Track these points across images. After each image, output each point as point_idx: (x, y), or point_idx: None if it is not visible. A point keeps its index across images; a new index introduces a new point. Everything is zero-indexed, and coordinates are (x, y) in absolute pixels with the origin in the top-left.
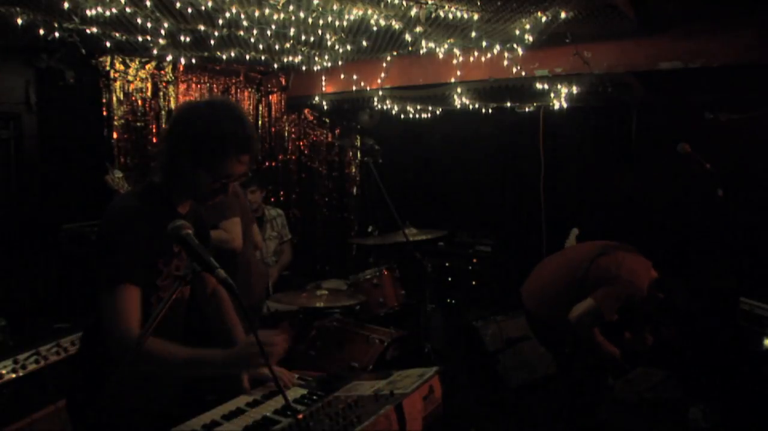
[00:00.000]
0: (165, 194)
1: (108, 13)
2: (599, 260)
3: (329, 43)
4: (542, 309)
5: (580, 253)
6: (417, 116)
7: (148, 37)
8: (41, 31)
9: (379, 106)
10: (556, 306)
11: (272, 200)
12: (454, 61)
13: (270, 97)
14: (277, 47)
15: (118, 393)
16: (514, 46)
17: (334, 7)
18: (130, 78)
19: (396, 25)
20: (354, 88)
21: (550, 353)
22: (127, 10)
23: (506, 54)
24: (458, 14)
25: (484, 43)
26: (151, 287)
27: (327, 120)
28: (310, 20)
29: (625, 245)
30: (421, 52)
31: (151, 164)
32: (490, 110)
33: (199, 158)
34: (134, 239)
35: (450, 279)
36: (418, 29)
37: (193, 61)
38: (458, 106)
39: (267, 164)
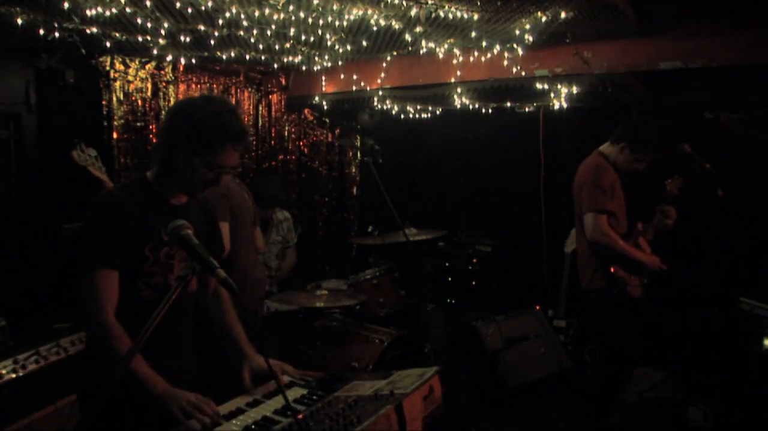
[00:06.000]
0: (156, 185)
1: (108, 13)
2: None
3: (329, 43)
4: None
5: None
6: (417, 115)
7: (148, 37)
8: (41, 31)
9: (379, 107)
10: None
11: None
12: (454, 61)
13: (270, 97)
14: (277, 47)
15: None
16: (514, 46)
17: (334, 7)
18: (130, 78)
19: (396, 25)
20: (354, 88)
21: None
22: (127, 10)
23: (506, 54)
24: (458, 14)
25: (484, 43)
26: (137, 273)
27: (327, 120)
28: (310, 20)
29: None
30: (421, 52)
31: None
32: (490, 110)
33: (196, 146)
34: (111, 227)
35: (450, 279)
36: (418, 29)
37: (193, 61)
38: (458, 106)
39: (267, 164)
